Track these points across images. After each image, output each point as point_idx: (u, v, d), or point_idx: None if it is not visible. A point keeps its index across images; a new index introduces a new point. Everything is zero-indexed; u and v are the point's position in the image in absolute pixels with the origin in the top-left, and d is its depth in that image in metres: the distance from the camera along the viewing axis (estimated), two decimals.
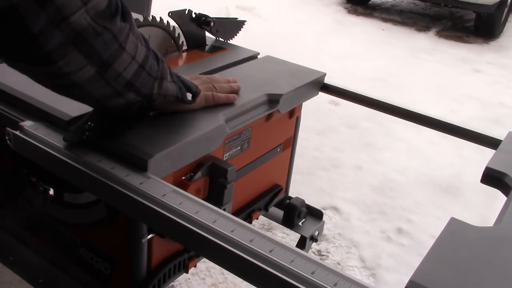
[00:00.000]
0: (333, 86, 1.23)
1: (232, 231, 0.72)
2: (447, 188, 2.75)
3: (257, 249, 0.69)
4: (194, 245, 0.76)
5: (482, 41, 5.23)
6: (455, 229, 0.74)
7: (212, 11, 1.85)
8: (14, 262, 1.18)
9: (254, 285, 0.71)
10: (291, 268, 0.67)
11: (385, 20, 5.70)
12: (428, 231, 2.36)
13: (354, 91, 1.22)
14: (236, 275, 0.73)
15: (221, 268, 2.21)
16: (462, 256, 0.69)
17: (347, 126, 3.34)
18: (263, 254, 0.68)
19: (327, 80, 1.24)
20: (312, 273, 0.66)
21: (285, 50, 3.96)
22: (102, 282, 1.02)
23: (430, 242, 0.77)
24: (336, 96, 1.23)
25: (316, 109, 3.40)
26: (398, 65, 4.39)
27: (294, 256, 0.68)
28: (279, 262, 0.67)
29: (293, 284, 0.65)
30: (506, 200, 0.84)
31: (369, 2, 6.17)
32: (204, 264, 2.16)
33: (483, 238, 0.73)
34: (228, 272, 2.19)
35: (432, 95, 3.83)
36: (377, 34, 5.17)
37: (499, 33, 5.40)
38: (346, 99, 1.24)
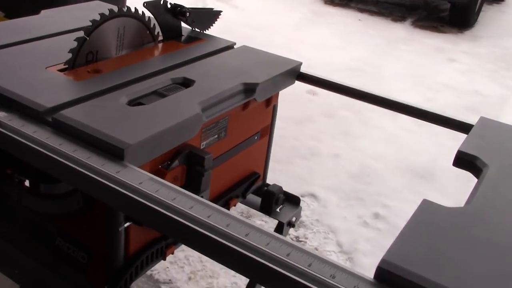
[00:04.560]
0: (309, 75, 1.25)
1: (208, 217, 0.73)
2: (423, 174, 2.80)
3: (234, 233, 0.70)
4: (171, 232, 0.77)
5: (457, 30, 5.30)
6: (427, 209, 0.77)
7: (188, 2, 1.85)
8: None
9: (231, 268, 0.73)
10: (266, 251, 0.68)
11: (361, 10, 5.74)
12: (404, 216, 2.39)
13: (330, 80, 1.24)
14: (213, 259, 0.74)
15: (200, 256, 2.23)
16: (433, 235, 0.72)
17: (325, 115, 3.37)
18: (240, 238, 0.70)
19: (304, 70, 1.25)
20: (288, 255, 0.68)
21: (262, 41, 3.97)
22: (79, 271, 1.02)
23: None
24: (312, 85, 1.25)
25: (295, 99, 3.42)
26: (375, 55, 4.43)
27: (269, 239, 0.70)
28: (255, 245, 0.69)
29: (269, 266, 0.67)
30: (477, 182, 0.87)
31: None
32: (183, 253, 2.17)
33: (453, 218, 0.76)
34: (207, 260, 2.21)
35: (408, 84, 3.89)
36: (354, 25, 5.21)
37: (474, 23, 5.48)
38: (322, 88, 1.25)
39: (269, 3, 5.61)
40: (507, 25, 5.62)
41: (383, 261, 0.66)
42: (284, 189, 1.39)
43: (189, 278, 2.06)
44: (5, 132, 0.87)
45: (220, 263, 0.73)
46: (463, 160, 0.92)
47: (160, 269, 2.08)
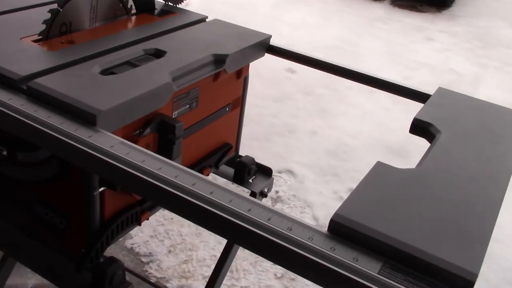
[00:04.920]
0: (279, 47, 1.29)
1: (176, 177, 0.77)
2: (398, 150, 2.88)
3: (199, 191, 0.75)
4: (142, 191, 0.82)
5: (435, 10, 5.37)
6: (380, 170, 0.82)
7: None
8: None
9: (198, 224, 0.78)
10: (230, 207, 0.73)
11: None
12: None
13: (298, 52, 1.28)
14: (180, 215, 0.78)
15: (179, 230, 2.28)
16: (383, 192, 0.77)
17: (303, 93, 3.42)
18: (205, 196, 0.74)
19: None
20: (249, 210, 0.73)
21: (241, 20, 3.97)
22: (57, 236, 1.06)
23: None
24: (281, 57, 1.29)
25: (273, 77, 3.46)
26: (353, 34, 4.47)
27: (232, 196, 0.75)
28: (219, 202, 0.74)
29: (232, 221, 0.72)
30: (429, 147, 0.93)
31: None
32: (163, 227, 2.22)
33: (404, 178, 0.81)
34: (186, 233, 2.26)
35: (385, 62, 3.95)
36: (333, 3, 5.24)
37: (451, 2, 5.55)
38: (291, 60, 1.30)
39: None
40: (483, 5, 5.69)
41: (336, 215, 0.71)
42: None
43: (169, 251, 2.11)
44: None
45: (188, 219, 0.78)
46: (418, 127, 0.98)
47: (141, 243, 2.13)
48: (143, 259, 2.07)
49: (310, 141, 2.93)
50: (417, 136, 1.00)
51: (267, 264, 2.07)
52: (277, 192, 2.48)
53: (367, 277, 0.64)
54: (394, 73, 3.69)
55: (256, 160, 1.43)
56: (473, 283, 0.63)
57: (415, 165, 0.86)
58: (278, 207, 2.38)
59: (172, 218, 2.25)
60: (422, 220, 0.73)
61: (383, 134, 3.03)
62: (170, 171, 0.78)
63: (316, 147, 2.86)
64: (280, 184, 2.55)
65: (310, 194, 2.50)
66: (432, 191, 0.79)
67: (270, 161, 2.67)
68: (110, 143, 0.82)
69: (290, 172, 2.66)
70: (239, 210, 0.72)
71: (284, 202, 2.43)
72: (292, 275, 2.05)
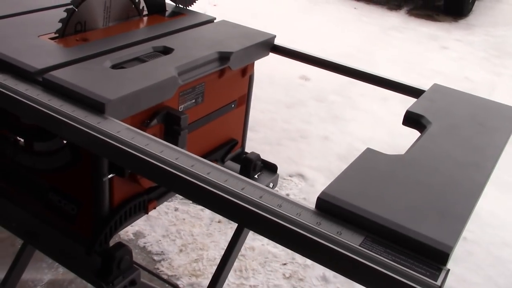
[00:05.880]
0: (283, 47, 1.35)
1: (176, 159, 0.83)
2: None
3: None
4: (146, 173, 0.88)
5: (451, 19, 5.38)
6: (369, 155, 0.87)
7: None
8: None
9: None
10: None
11: None
12: None
13: (302, 51, 1.33)
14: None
15: (191, 230, 2.33)
16: (370, 175, 0.82)
17: (316, 99, 3.47)
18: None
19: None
20: (242, 189, 0.78)
21: (256, 27, 4.06)
22: (69, 221, 1.13)
23: None
24: (286, 56, 1.35)
25: (286, 84, 3.52)
26: (368, 42, 4.52)
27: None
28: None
29: (227, 198, 0.77)
30: (419, 136, 0.97)
31: None
32: (175, 227, 2.28)
33: (391, 163, 0.86)
34: (198, 233, 2.32)
35: (399, 70, 3.98)
36: (349, 12, 5.29)
37: (468, 12, 5.56)
38: (295, 59, 1.35)
39: None
40: (500, 14, 5.69)
41: (323, 193, 0.76)
42: None
43: (180, 250, 2.16)
44: (2, 90, 0.98)
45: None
46: (410, 119, 1.02)
47: (153, 242, 2.19)
48: (155, 257, 2.12)
49: (321, 146, 2.97)
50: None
51: (276, 264, 2.12)
52: (287, 195, 2.53)
53: (349, 249, 0.69)
54: (407, 80, 3.71)
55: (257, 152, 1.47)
56: (447, 255, 0.67)
57: None
58: None
59: (184, 219, 2.31)
60: (404, 200, 0.77)
61: (394, 139, 3.05)
62: (172, 153, 0.84)
63: (328, 152, 2.90)
64: (291, 187, 2.60)
65: None
66: (417, 175, 0.83)
67: (282, 165, 2.72)
68: (117, 129, 0.89)
69: (301, 175, 2.70)
70: (232, 188, 0.77)
71: None
72: (300, 275, 2.08)
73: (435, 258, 0.67)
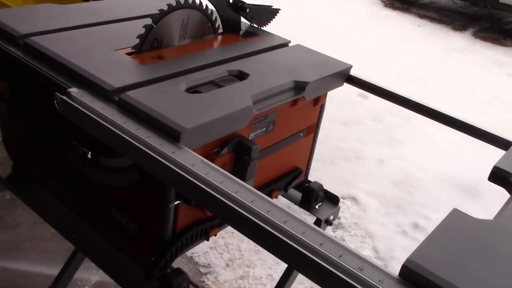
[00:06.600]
0: (358, 78, 1.29)
1: (252, 202, 0.79)
2: (468, 189, 2.77)
3: (273, 219, 0.76)
4: (217, 211, 0.84)
5: None
6: (456, 218, 0.81)
7: None
8: (49, 216, 1.29)
9: (269, 251, 0.79)
10: (302, 239, 0.74)
11: (421, 16, 5.67)
12: None
13: (378, 85, 1.27)
14: (253, 240, 0.80)
15: (239, 245, 2.30)
16: (458, 242, 0.76)
17: (373, 119, 3.38)
18: (279, 225, 0.76)
19: (355, 72, 1.30)
20: (321, 244, 0.73)
21: (317, 39, 4.01)
22: (130, 241, 1.11)
23: None
24: (361, 88, 1.29)
25: (344, 101, 3.45)
26: (430, 62, 4.38)
27: (305, 228, 0.75)
28: (292, 232, 0.75)
29: (303, 253, 0.72)
30: (509, 198, 0.90)
31: None
32: (223, 240, 2.26)
33: (480, 229, 0.79)
34: (245, 249, 2.28)
35: (461, 95, 3.83)
36: (412, 30, 5.16)
37: None
38: (370, 92, 1.30)
39: (328, 3, 5.63)
40: None
41: (408, 260, 0.71)
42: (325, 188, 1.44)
43: (227, 265, 2.14)
44: (77, 106, 0.97)
45: (259, 245, 0.80)
46: (498, 176, 0.95)
47: (201, 253, 2.18)
48: (202, 269, 2.11)
49: (376, 169, 2.89)
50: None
51: None
52: (338, 218, 2.46)
53: None
54: (470, 107, 3.57)
55: (320, 182, 1.43)
56: None
57: (486, 208, 0.83)
58: (338, 234, 2.36)
59: (232, 232, 2.28)
60: (495, 277, 0.70)
61: (454, 170, 2.93)
62: (247, 195, 0.80)
63: (382, 176, 2.82)
64: (342, 210, 2.53)
65: (372, 224, 2.46)
66: (509, 247, 0.77)
67: (334, 185, 2.66)
68: (192, 161, 0.86)
69: (353, 199, 2.63)
70: (311, 243, 0.73)
71: (345, 229, 2.41)
72: None
73: None
